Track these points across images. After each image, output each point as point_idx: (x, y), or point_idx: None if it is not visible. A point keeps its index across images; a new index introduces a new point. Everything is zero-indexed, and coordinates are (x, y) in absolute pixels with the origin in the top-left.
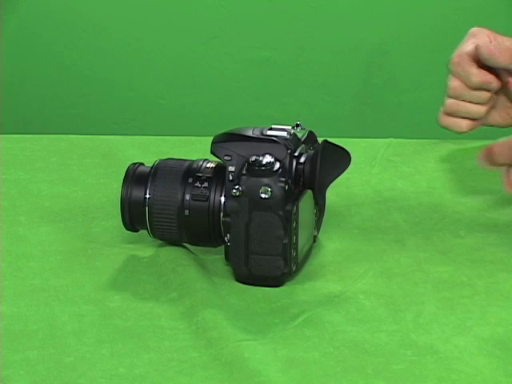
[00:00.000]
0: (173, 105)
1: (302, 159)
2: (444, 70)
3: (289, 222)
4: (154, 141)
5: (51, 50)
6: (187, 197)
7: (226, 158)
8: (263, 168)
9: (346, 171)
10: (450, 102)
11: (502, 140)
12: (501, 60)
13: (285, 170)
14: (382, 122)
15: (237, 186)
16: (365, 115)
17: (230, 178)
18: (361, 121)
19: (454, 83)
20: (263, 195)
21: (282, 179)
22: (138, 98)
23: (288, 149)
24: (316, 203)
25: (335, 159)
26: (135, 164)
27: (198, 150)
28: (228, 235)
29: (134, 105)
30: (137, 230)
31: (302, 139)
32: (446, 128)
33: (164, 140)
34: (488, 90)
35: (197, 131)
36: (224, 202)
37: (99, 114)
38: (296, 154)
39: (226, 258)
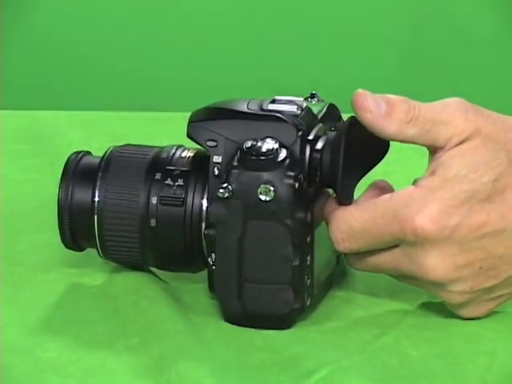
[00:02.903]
0: (133, 66)
1: (320, 145)
2: None
3: (300, 236)
4: (105, 118)
5: None
6: (154, 200)
7: (209, 143)
8: (263, 158)
9: (382, 162)
10: None
11: None
12: None
13: (294, 161)
14: (435, 92)
15: (225, 184)
16: (409, 84)
17: (216, 172)
18: (404, 91)
19: None
20: (263, 197)
21: (291, 174)
22: (82, 57)
23: (299, 130)
24: None
25: (366, 145)
26: (79, 153)
27: (168, 132)
28: (213, 255)
29: (78, 66)
30: (82, 249)
31: (319, 116)
32: None
33: (120, 117)
34: None
35: (168, 104)
36: (207, 208)
37: (27, 81)
38: (310, 138)
39: (211, 287)
